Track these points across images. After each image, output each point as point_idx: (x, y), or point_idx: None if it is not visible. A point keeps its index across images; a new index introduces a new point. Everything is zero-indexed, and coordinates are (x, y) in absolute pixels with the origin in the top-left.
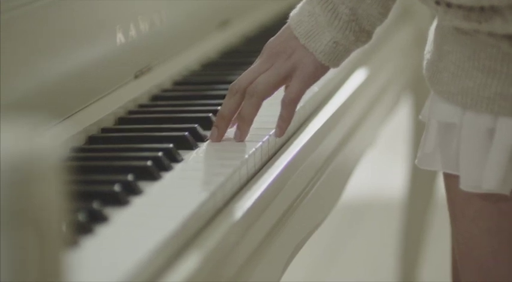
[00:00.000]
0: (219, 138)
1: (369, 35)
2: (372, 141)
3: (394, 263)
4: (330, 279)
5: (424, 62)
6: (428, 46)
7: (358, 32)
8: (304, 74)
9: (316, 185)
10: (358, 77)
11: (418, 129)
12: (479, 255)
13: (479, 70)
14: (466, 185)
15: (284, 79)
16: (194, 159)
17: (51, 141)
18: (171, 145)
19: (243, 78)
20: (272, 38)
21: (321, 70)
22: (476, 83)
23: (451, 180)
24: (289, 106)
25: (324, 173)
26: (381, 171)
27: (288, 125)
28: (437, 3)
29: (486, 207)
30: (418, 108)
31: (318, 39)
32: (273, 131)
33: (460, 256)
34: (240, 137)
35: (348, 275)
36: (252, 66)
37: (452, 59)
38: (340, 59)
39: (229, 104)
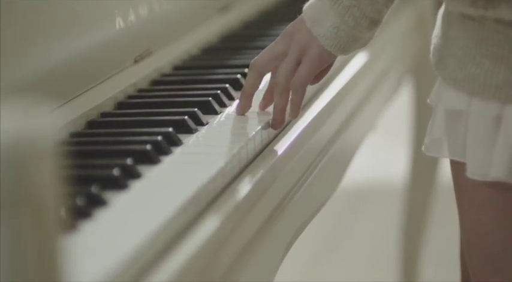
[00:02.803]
0: (241, 112)
1: (372, 22)
2: (372, 126)
3: (396, 248)
4: (330, 264)
5: (431, 47)
6: (436, 30)
7: (359, 18)
8: (310, 59)
9: (316, 170)
10: (359, 61)
11: (419, 114)
12: (486, 243)
13: (486, 57)
14: (473, 173)
15: (281, 58)
16: (194, 143)
17: (51, 124)
18: (170, 129)
19: (260, 57)
20: None
21: (327, 55)
22: (483, 70)
23: (459, 167)
24: (298, 90)
25: (323, 158)
26: (382, 155)
27: (299, 108)
28: None
29: (494, 195)
30: (419, 92)
31: (321, 23)
32: (271, 116)
33: (467, 244)
34: (279, 123)
35: (348, 260)
36: (269, 45)
37: (459, 45)
38: (346, 46)
39: (247, 81)
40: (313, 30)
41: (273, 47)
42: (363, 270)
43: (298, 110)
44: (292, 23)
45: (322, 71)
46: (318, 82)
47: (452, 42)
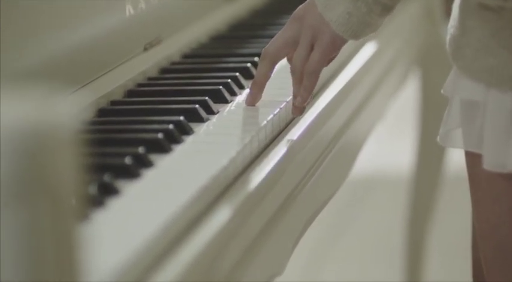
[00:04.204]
0: (251, 102)
1: (384, 8)
2: (380, 116)
3: (401, 238)
4: (336, 254)
5: (447, 37)
6: (452, 20)
7: (371, 4)
8: (323, 44)
9: (326, 160)
10: (367, 51)
11: (426, 105)
12: (501, 235)
13: (504, 48)
14: (490, 164)
15: (293, 44)
16: (205, 132)
17: (66, 111)
18: (181, 118)
19: (271, 45)
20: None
21: (339, 40)
22: (501, 61)
23: (474, 159)
24: (311, 75)
25: (333, 149)
26: (389, 146)
27: (309, 94)
28: None
29: (510, 187)
30: (426, 83)
31: (333, 9)
32: (283, 104)
33: (481, 235)
34: (299, 110)
35: (354, 251)
36: (280, 32)
37: (476, 35)
38: (358, 32)
39: (259, 70)
40: (325, 15)
41: (283, 33)
42: (368, 261)
43: (308, 96)
44: (301, 5)
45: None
46: (326, 66)
47: (469, 32)
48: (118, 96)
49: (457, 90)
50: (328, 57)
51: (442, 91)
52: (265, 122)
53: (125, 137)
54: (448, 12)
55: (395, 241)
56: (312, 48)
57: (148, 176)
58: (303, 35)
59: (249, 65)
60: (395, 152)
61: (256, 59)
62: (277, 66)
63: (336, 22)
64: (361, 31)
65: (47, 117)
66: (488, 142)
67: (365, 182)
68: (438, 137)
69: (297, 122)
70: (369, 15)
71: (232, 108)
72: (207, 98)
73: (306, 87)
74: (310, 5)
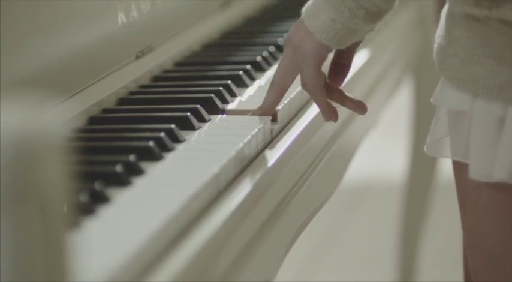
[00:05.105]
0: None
1: (368, 13)
2: (373, 123)
3: (394, 245)
4: (329, 261)
5: (435, 46)
6: (439, 30)
7: (354, 8)
8: (307, 59)
9: (318, 167)
10: (360, 58)
11: (420, 112)
12: (489, 244)
13: (490, 57)
14: (476, 174)
15: (295, 69)
16: (197, 140)
17: (55, 120)
18: (173, 125)
19: (275, 76)
20: None
21: (324, 50)
22: (487, 70)
23: (461, 168)
24: (313, 95)
25: (325, 156)
26: (382, 153)
27: (329, 110)
28: None
29: (497, 197)
30: (419, 90)
31: (316, 18)
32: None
33: (470, 246)
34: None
35: (347, 257)
36: (279, 60)
37: (462, 45)
38: (342, 39)
39: (266, 98)
40: (309, 26)
41: (281, 61)
42: (362, 267)
43: (328, 111)
44: (292, 28)
45: (340, 71)
46: (341, 82)
47: (456, 42)
48: (110, 104)
49: (444, 101)
50: (318, 68)
51: (431, 100)
52: (256, 129)
53: (116, 145)
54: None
55: (388, 247)
56: (296, 69)
57: (140, 184)
58: (285, 59)
59: (241, 73)
60: (388, 158)
61: (248, 66)
62: (267, 77)
63: (319, 31)
64: (346, 38)
65: (36, 126)
66: (475, 151)
67: (358, 188)
68: (425, 147)
69: (289, 129)
70: (353, 21)
71: (223, 116)
72: (198, 106)
73: (318, 104)
74: (298, 23)
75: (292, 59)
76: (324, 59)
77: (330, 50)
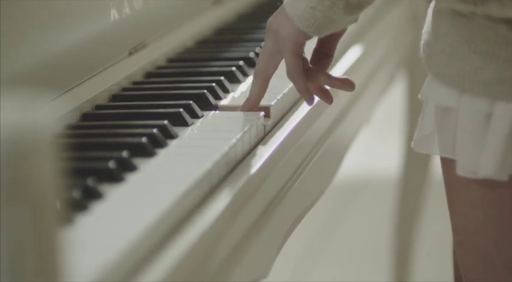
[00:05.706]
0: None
1: (348, 5)
2: (366, 119)
3: (388, 242)
4: (323, 258)
5: (421, 42)
6: (426, 26)
7: None
8: (285, 43)
9: (311, 163)
10: (353, 54)
11: (413, 108)
12: (478, 241)
13: (475, 53)
14: (463, 170)
15: (276, 55)
16: (189, 136)
17: (47, 116)
18: (165, 121)
19: (258, 64)
20: None
21: (302, 36)
22: (473, 66)
23: (449, 165)
24: (293, 80)
25: (318, 152)
26: (375, 149)
27: (307, 94)
28: None
29: (485, 193)
30: (412, 86)
31: (297, 5)
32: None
33: (459, 243)
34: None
35: (340, 254)
36: (261, 48)
37: (448, 41)
38: (321, 27)
39: (252, 90)
40: (289, 11)
41: (263, 48)
42: (355, 264)
43: (308, 96)
44: (273, 14)
45: (321, 60)
46: (325, 69)
47: (442, 38)
48: (103, 100)
49: (431, 97)
50: (298, 54)
51: (419, 96)
52: (249, 125)
53: (109, 141)
54: None
55: (383, 244)
56: (278, 55)
57: (132, 180)
58: (267, 45)
59: (233, 68)
60: (382, 154)
61: (241, 62)
62: None
63: (299, 17)
64: (324, 27)
65: (29, 122)
66: (461, 147)
67: (352, 185)
68: (412, 143)
69: (282, 125)
70: (333, 10)
71: (216, 112)
72: (191, 101)
73: (299, 90)
74: (279, 10)
75: (274, 44)
76: (301, 45)
77: (308, 37)
